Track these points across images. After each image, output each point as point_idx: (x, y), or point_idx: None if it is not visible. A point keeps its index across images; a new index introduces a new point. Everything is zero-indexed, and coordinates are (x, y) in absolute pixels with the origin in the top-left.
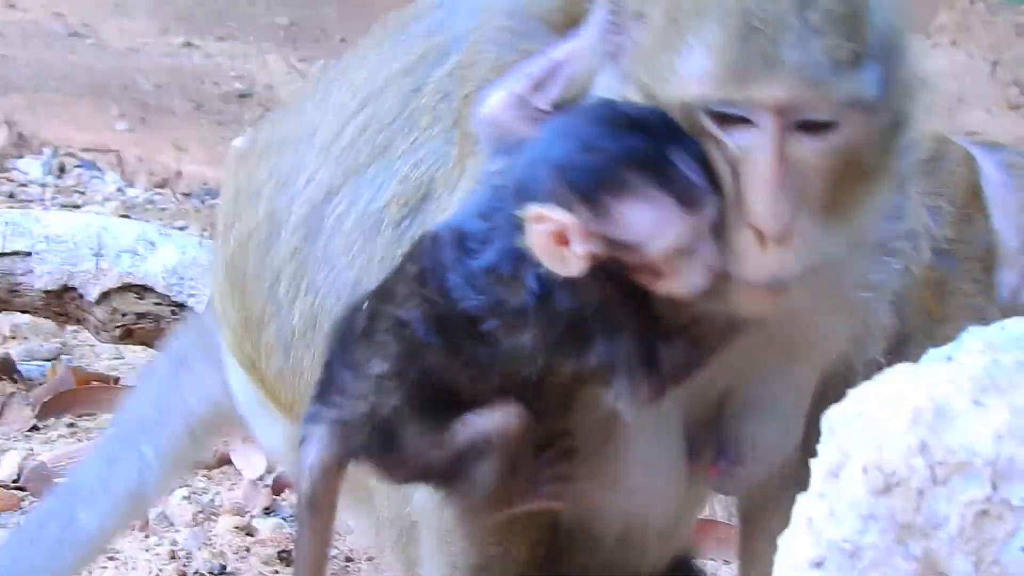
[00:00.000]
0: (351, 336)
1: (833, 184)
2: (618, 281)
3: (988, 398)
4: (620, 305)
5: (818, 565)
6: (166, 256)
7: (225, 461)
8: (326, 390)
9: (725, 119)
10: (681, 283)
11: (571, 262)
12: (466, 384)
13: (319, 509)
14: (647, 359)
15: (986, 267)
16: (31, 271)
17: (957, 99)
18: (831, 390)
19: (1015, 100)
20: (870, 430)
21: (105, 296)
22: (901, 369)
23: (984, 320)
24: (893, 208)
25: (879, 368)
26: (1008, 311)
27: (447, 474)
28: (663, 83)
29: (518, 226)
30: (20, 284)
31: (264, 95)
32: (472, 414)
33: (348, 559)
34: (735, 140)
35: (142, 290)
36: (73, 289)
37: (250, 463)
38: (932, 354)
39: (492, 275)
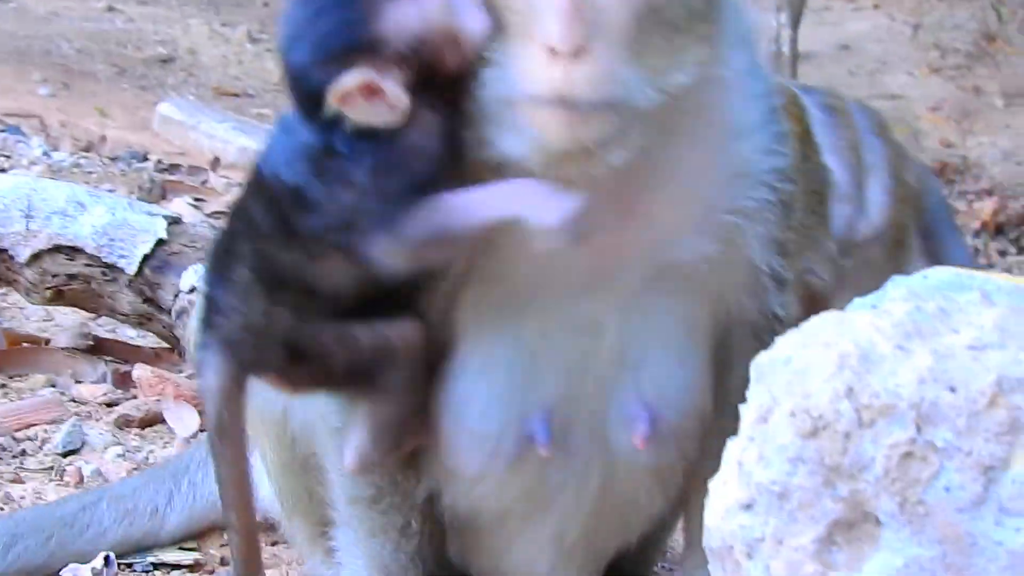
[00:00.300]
0: (215, 261)
1: (637, 26)
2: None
3: (911, 344)
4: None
5: (748, 507)
6: (96, 217)
7: (158, 419)
8: (208, 318)
9: None
10: (472, 31)
11: (394, 103)
12: (307, 268)
13: (228, 434)
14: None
15: (821, 200)
16: None
17: (880, 62)
18: (736, 337)
19: (936, 63)
20: (797, 375)
21: (35, 257)
22: (828, 316)
23: (822, 251)
24: (760, 143)
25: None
26: (843, 243)
27: (343, 379)
28: None
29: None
30: None
31: (187, 60)
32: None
33: None
34: None
35: (72, 251)
36: (3, 251)
37: (183, 421)
38: (857, 302)
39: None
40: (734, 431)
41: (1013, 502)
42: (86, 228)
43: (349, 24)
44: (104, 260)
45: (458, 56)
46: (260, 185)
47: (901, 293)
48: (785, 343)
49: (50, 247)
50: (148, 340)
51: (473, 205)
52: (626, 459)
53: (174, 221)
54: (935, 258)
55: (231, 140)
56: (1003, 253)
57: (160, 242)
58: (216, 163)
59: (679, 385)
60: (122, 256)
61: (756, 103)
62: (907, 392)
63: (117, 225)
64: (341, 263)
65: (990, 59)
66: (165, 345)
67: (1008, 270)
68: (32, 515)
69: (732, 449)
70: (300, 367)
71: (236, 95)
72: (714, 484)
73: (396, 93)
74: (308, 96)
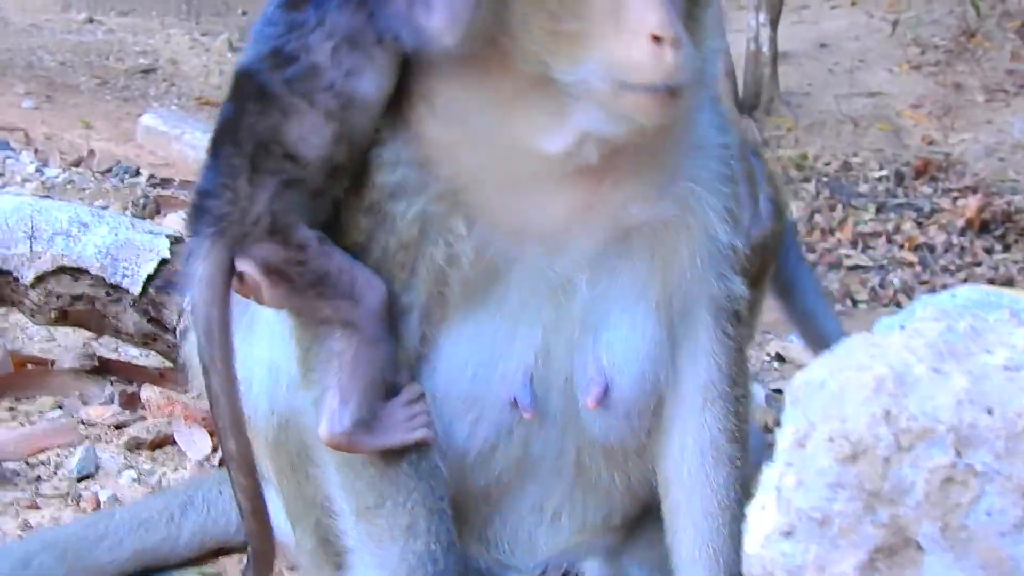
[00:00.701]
0: (208, 155)
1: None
2: None
3: (947, 365)
4: None
5: (788, 534)
6: (99, 237)
7: (168, 441)
8: (199, 205)
9: None
10: None
11: None
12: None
13: (218, 332)
14: None
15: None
16: None
17: (859, 60)
18: (696, 314)
19: (916, 59)
20: (834, 400)
21: (40, 279)
22: (859, 338)
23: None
24: (712, 119)
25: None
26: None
27: (311, 292)
28: None
29: None
30: None
31: (168, 69)
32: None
33: None
34: None
35: (76, 272)
36: (8, 272)
37: (195, 444)
38: (885, 322)
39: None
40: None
41: None
42: (90, 248)
43: None
44: (108, 280)
45: None
46: (241, 75)
47: (931, 313)
48: (819, 366)
49: (54, 268)
50: (151, 360)
51: None
52: (588, 425)
53: (177, 240)
54: (785, 290)
55: None
56: (989, 251)
57: (163, 261)
58: None
59: (634, 353)
60: (126, 276)
61: (708, 77)
62: (945, 415)
63: (120, 245)
64: (316, 116)
65: (970, 54)
66: (169, 364)
67: (995, 268)
68: (45, 533)
69: (770, 474)
70: (279, 261)
71: (216, 104)
72: (752, 510)
73: None
74: None
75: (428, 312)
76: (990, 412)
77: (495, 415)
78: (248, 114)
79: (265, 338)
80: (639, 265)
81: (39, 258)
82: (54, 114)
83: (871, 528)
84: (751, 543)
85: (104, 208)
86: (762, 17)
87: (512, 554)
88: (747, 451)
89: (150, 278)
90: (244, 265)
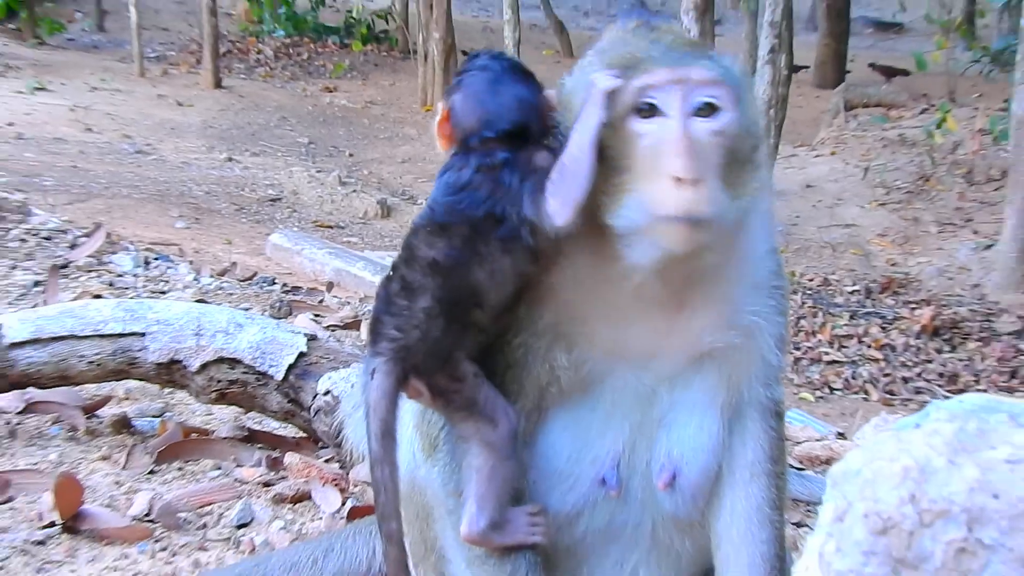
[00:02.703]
0: (393, 292)
1: (723, 161)
2: None
3: (959, 458)
4: None
5: None
6: (251, 335)
7: (306, 497)
8: (378, 337)
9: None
10: None
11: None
12: (487, 288)
13: (388, 436)
14: None
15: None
16: (146, 348)
17: (837, 198)
18: (745, 416)
19: (882, 198)
20: (868, 484)
21: (204, 367)
22: (886, 435)
23: None
24: (770, 266)
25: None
26: None
27: (471, 407)
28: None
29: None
30: (137, 358)
31: (291, 199)
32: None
33: None
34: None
35: (233, 362)
36: (179, 362)
37: (328, 500)
38: (902, 422)
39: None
40: (737, 486)
41: None
42: (243, 343)
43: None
44: (258, 369)
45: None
46: (426, 219)
47: (944, 415)
48: (854, 457)
49: (216, 359)
50: (289, 431)
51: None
52: (660, 502)
53: (312, 338)
54: None
55: (328, 262)
56: (939, 351)
57: (301, 354)
58: (330, 286)
59: (699, 447)
60: (272, 365)
61: (766, 232)
62: (959, 499)
63: (267, 341)
64: (503, 255)
65: (925, 195)
66: (304, 435)
67: (944, 365)
68: (217, 572)
69: (813, 542)
70: (443, 385)
71: (330, 227)
72: (797, 569)
73: None
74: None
75: (532, 410)
76: (996, 497)
77: (585, 489)
78: (447, 260)
79: (408, 414)
80: (708, 380)
81: (203, 351)
82: (201, 233)
83: None
84: None
85: (247, 310)
86: None
87: None
88: (782, 517)
89: (291, 367)
90: (416, 383)
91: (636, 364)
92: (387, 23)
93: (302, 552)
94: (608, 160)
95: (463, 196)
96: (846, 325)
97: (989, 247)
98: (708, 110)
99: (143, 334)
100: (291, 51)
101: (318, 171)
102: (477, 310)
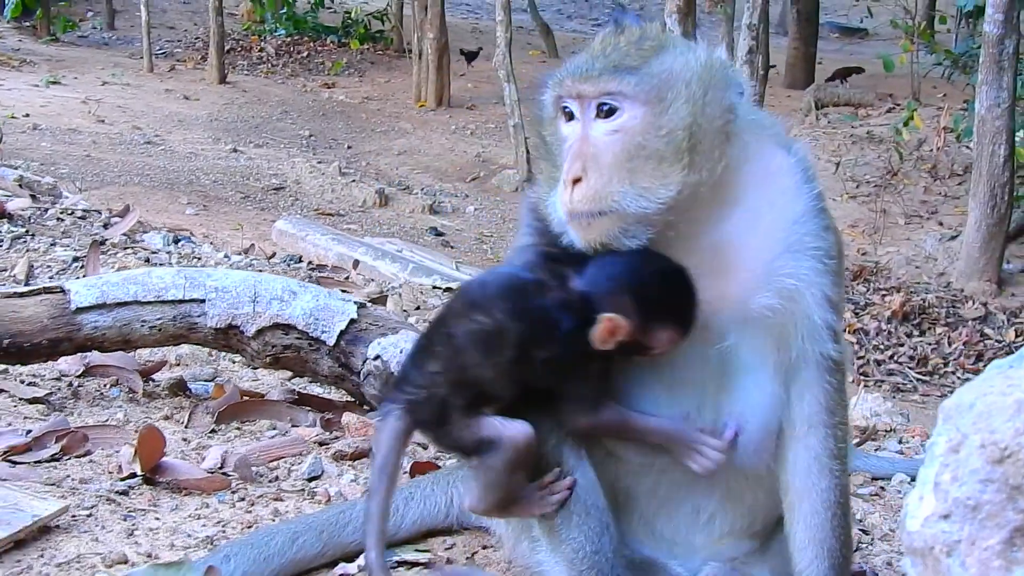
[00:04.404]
0: (418, 347)
1: (626, 160)
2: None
3: None
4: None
5: (946, 517)
6: (305, 302)
7: (365, 455)
8: (401, 384)
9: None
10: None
11: (608, 342)
12: (491, 381)
13: (388, 473)
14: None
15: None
16: (205, 313)
17: None
18: (801, 374)
19: (853, 191)
20: (982, 417)
21: (260, 332)
22: (994, 372)
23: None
24: (810, 228)
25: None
26: None
27: (470, 451)
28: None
29: (574, 304)
30: (196, 323)
31: (293, 188)
32: (493, 418)
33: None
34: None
35: (287, 328)
36: (236, 327)
37: None
38: (996, 363)
39: (536, 315)
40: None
41: None
42: (298, 310)
43: (654, 308)
44: (311, 334)
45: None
46: (473, 292)
47: None
48: (966, 391)
49: (271, 324)
50: (335, 396)
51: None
52: (729, 457)
53: (362, 305)
54: None
55: (330, 248)
56: (909, 335)
57: (352, 321)
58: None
59: (757, 405)
60: (324, 331)
61: (799, 196)
62: None
63: (320, 308)
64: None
65: (893, 188)
66: (351, 399)
67: (914, 348)
68: (305, 518)
69: (927, 472)
70: (445, 434)
71: (331, 215)
72: (911, 499)
73: (615, 341)
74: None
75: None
76: None
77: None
78: (463, 338)
79: None
80: (757, 342)
81: (260, 317)
82: (210, 219)
83: (1012, 513)
84: (912, 523)
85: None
86: None
87: (673, 549)
88: (845, 466)
89: (342, 333)
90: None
91: (704, 331)
92: (383, 23)
93: (331, 511)
94: (553, 158)
95: (523, 308)
96: None
97: (954, 238)
98: (608, 112)
99: (203, 300)
100: (292, 49)
101: (319, 162)
102: (484, 385)
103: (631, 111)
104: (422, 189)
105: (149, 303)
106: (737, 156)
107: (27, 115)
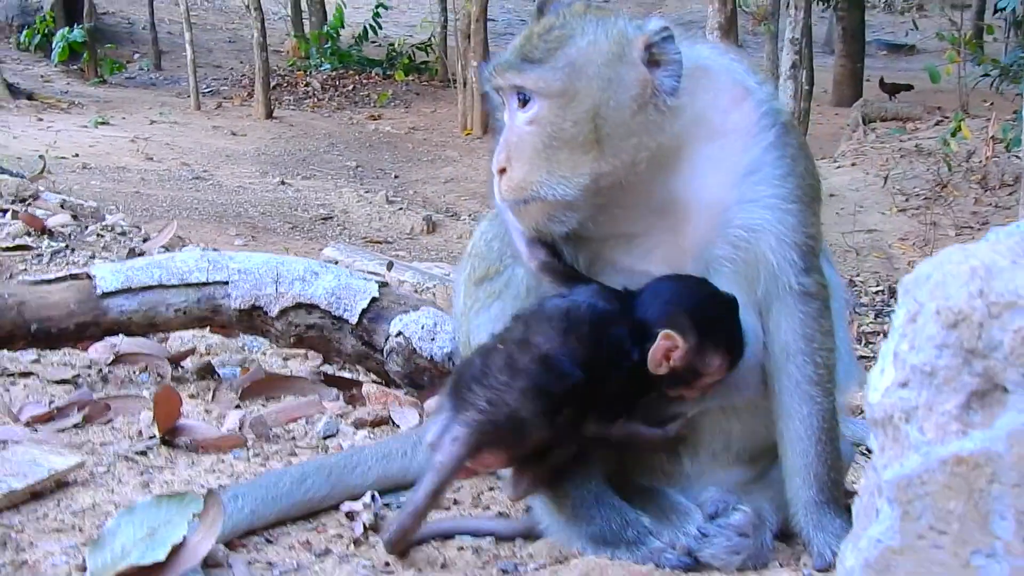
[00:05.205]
0: (491, 365)
1: (545, 151)
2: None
3: (1022, 260)
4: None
5: (904, 385)
6: (327, 282)
7: (385, 422)
8: (465, 405)
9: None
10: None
11: (663, 364)
12: (581, 398)
13: (436, 496)
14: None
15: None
16: (228, 295)
17: (859, 206)
18: (775, 306)
19: (902, 204)
20: (938, 286)
21: (283, 313)
22: (952, 248)
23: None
24: (766, 176)
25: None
26: None
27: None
28: None
29: (642, 328)
30: (220, 305)
31: (341, 217)
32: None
33: None
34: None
35: (310, 307)
36: (260, 308)
37: (406, 418)
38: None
39: (615, 342)
40: (778, 366)
41: None
42: (320, 290)
43: (710, 332)
44: (334, 313)
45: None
46: (560, 314)
47: (1002, 234)
48: (924, 266)
49: (294, 304)
50: (361, 378)
51: None
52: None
53: (383, 284)
54: None
55: (379, 272)
56: None
57: (374, 299)
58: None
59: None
60: (346, 310)
61: (755, 143)
62: None
63: (342, 288)
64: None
65: (943, 200)
66: (378, 380)
67: None
68: (313, 461)
69: (887, 345)
70: (521, 453)
71: (379, 242)
72: (872, 374)
73: (669, 365)
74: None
75: None
76: None
77: None
78: (558, 359)
79: None
80: (729, 278)
81: (282, 297)
82: (259, 248)
83: (968, 377)
84: (873, 395)
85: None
86: None
87: (671, 479)
88: (829, 392)
89: (364, 311)
90: (489, 457)
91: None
92: (427, 54)
93: (394, 444)
94: None
95: (610, 324)
96: (871, 323)
97: None
98: (524, 103)
99: (226, 282)
100: (337, 83)
101: (366, 191)
102: (568, 408)
103: (540, 103)
104: (470, 215)
105: (173, 286)
106: (681, 114)
107: (76, 155)
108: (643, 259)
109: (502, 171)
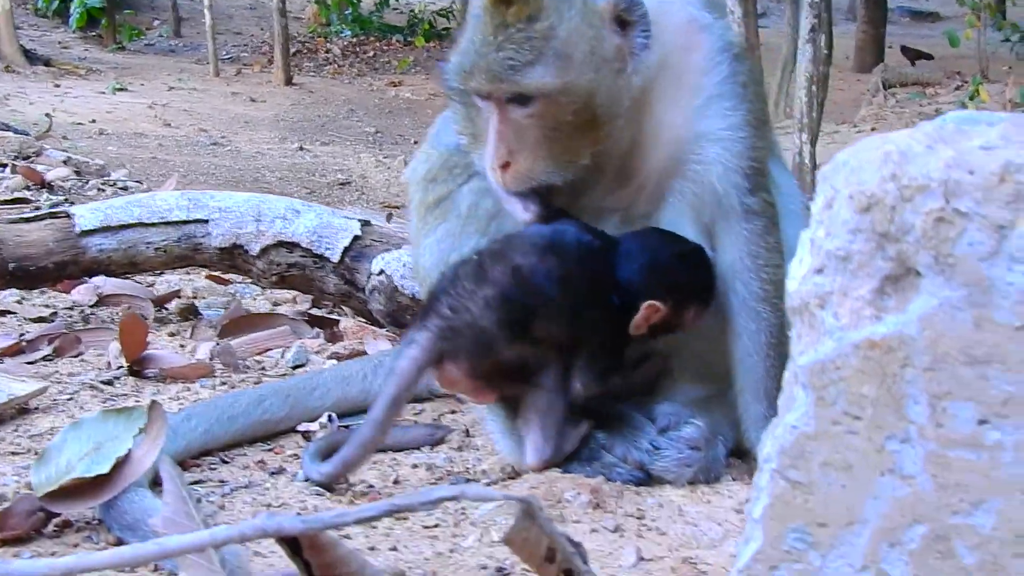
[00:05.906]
0: (459, 273)
1: (543, 142)
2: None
3: (938, 146)
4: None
5: (819, 271)
6: (308, 221)
7: (360, 354)
8: (429, 313)
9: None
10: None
11: (643, 328)
12: (553, 322)
13: (396, 405)
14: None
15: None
16: (209, 234)
17: None
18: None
19: None
20: (854, 172)
21: (264, 251)
22: (873, 137)
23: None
24: (708, 98)
25: None
26: None
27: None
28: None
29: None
30: (201, 244)
31: (359, 183)
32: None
33: None
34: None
35: (291, 246)
36: (240, 247)
37: (377, 347)
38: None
39: (596, 277)
40: (727, 284)
41: (1020, 252)
42: (301, 228)
43: (686, 293)
44: (315, 252)
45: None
46: (543, 236)
47: (924, 126)
48: (842, 154)
49: (275, 243)
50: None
51: None
52: None
53: (366, 223)
54: None
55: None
56: None
57: (356, 238)
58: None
59: None
60: (328, 248)
61: (705, 83)
62: (937, 175)
63: (324, 226)
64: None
65: None
66: (361, 320)
67: None
68: (272, 383)
69: (804, 235)
70: (484, 367)
71: (396, 207)
72: (793, 265)
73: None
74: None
75: None
76: (971, 172)
77: None
78: (533, 274)
79: None
80: (673, 213)
81: (263, 236)
82: None
83: (881, 262)
84: (792, 283)
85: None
86: (804, 137)
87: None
88: (777, 308)
89: (346, 250)
90: (452, 369)
91: (620, 216)
92: (448, 20)
93: (353, 368)
94: (472, 119)
95: (592, 258)
96: None
97: None
98: (521, 102)
99: (206, 220)
100: (357, 49)
101: (384, 157)
102: (536, 327)
103: (539, 100)
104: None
105: (153, 224)
106: (649, 63)
107: (93, 121)
108: (611, 199)
109: (505, 166)
